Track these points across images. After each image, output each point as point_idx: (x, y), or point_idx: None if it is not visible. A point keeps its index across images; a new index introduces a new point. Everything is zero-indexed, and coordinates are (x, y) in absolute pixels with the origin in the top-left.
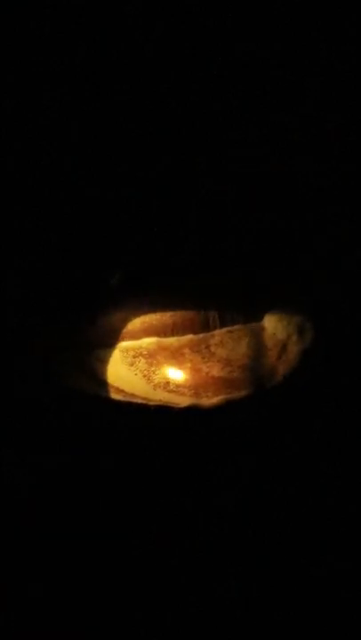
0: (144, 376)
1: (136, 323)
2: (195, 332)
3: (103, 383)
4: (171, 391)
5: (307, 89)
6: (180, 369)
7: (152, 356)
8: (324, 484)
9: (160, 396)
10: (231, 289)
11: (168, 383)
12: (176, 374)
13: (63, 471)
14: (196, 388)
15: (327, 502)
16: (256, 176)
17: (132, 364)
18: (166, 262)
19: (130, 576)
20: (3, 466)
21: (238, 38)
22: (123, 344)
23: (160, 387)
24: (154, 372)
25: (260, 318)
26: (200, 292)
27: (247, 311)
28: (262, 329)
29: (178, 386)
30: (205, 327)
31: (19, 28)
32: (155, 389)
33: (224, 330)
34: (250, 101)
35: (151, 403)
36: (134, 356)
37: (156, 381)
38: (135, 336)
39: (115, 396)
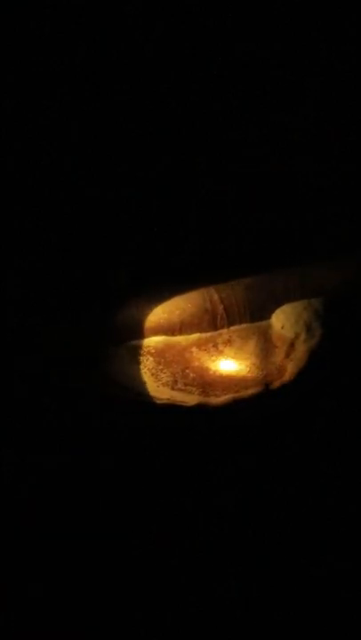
0: (152, 374)
1: (144, 321)
2: (202, 331)
3: (111, 381)
4: (178, 389)
5: (307, 89)
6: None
7: (160, 355)
8: (325, 483)
9: (167, 395)
10: (236, 287)
11: (176, 381)
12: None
13: (64, 471)
14: (203, 386)
15: (327, 502)
16: (256, 176)
17: (139, 363)
18: (168, 262)
19: (130, 576)
20: (3, 466)
21: (238, 38)
22: (131, 342)
23: (167, 385)
24: (161, 371)
25: (268, 316)
26: (206, 291)
27: (254, 310)
28: (270, 327)
29: (186, 384)
30: (213, 326)
31: (19, 28)
32: (162, 387)
33: (232, 328)
34: (250, 101)
35: (159, 401)
36: (142, 355)
37: (163, 380)
38: (143, 334)
39: (122, 394)
